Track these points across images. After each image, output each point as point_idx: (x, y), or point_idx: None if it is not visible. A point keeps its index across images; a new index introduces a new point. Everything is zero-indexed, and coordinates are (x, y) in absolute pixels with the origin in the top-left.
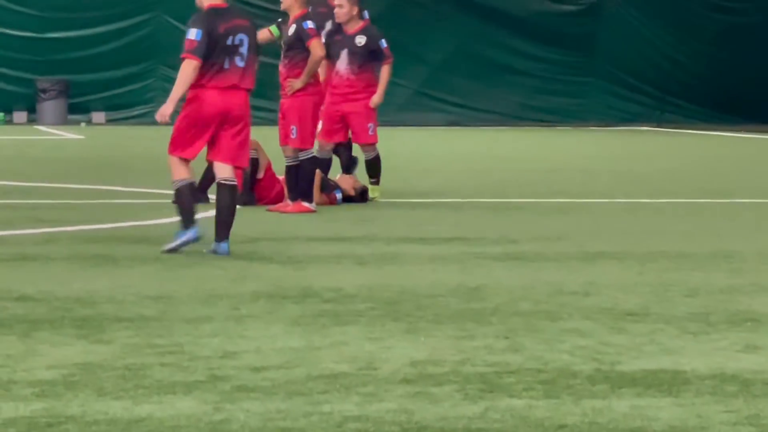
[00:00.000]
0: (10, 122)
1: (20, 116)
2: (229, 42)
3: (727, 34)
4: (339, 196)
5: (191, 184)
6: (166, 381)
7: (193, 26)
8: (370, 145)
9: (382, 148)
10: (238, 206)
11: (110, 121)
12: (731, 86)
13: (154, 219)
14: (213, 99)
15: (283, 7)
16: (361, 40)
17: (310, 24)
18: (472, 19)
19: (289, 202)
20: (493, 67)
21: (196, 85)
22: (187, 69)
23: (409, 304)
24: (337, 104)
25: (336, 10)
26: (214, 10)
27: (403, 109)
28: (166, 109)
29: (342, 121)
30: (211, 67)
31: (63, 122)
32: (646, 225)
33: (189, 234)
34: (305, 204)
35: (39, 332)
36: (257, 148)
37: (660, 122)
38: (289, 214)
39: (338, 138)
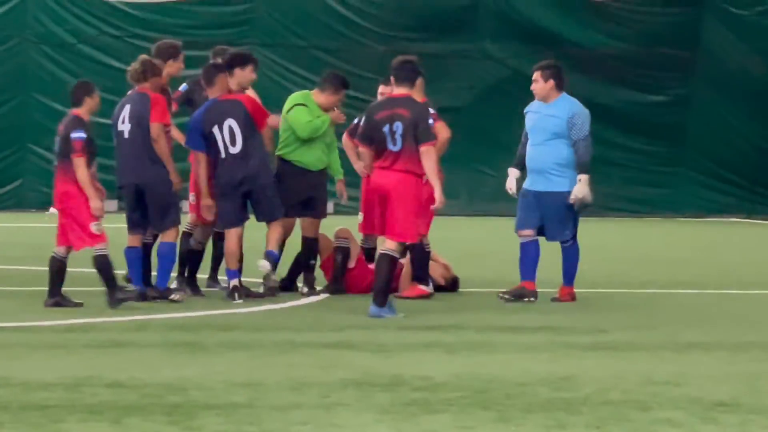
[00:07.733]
0: None
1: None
2: (385, 128)
3: None
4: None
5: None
6: None
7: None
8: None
9: (468, 237)
10: (327, 295)
11: None
12: None
13: (243, 308)
14: (373, 178)
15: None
16: None
17: (430, 110)
18: None
19: (419, 285)
20: None
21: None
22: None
23: (499, 392)
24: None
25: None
26: (384, 99)
27: (491, 200)
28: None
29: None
30: (375, 149)
31: None
32: (737, 315)
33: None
34: (421, 287)
35: (129, 418)
36: (348, 236)
37: (750, 213)
38: (406, 298)
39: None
